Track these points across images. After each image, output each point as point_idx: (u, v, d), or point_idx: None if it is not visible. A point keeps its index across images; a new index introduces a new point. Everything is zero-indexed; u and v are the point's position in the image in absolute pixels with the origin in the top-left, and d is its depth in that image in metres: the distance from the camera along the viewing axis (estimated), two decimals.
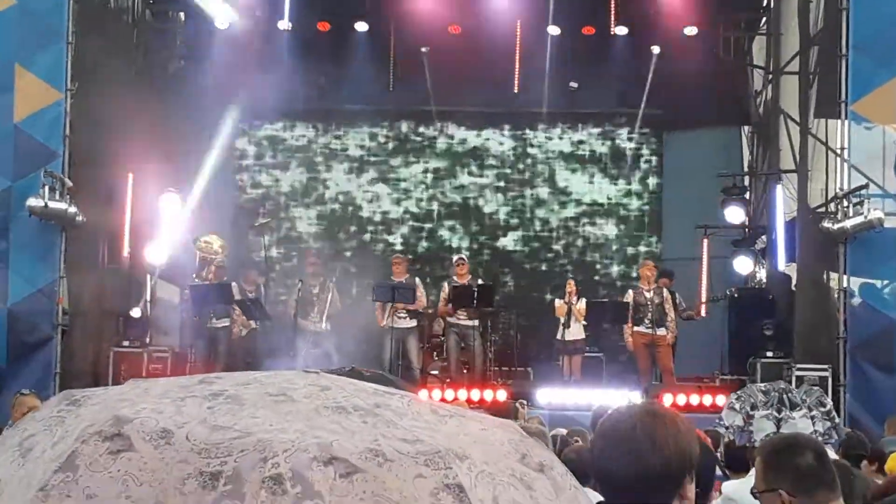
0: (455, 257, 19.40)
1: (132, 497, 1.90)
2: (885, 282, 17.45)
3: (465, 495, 1.95)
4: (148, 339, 18.18)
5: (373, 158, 23.34)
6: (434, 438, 2.06)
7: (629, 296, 18.15)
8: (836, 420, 9.63)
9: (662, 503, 2.77)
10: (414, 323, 18.35)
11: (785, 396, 9.78)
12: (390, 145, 23.41)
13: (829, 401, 10.10)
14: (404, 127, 23.38)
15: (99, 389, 2.48)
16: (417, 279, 18.85)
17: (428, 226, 23.37)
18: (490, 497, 2.00)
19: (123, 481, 1.92)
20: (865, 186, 16.99)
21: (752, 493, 4.00)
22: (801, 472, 3.77)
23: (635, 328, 17.77)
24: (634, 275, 20.87)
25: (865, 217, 16.64)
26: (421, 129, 23.37)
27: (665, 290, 18.06)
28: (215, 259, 18.74)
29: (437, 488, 1.95)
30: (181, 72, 19.75)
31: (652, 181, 23.34)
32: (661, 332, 17.74)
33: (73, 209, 16.30)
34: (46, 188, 15.94)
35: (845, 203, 17.21)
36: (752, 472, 6.58)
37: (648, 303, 17.74)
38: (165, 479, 1.92)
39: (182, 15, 21.37)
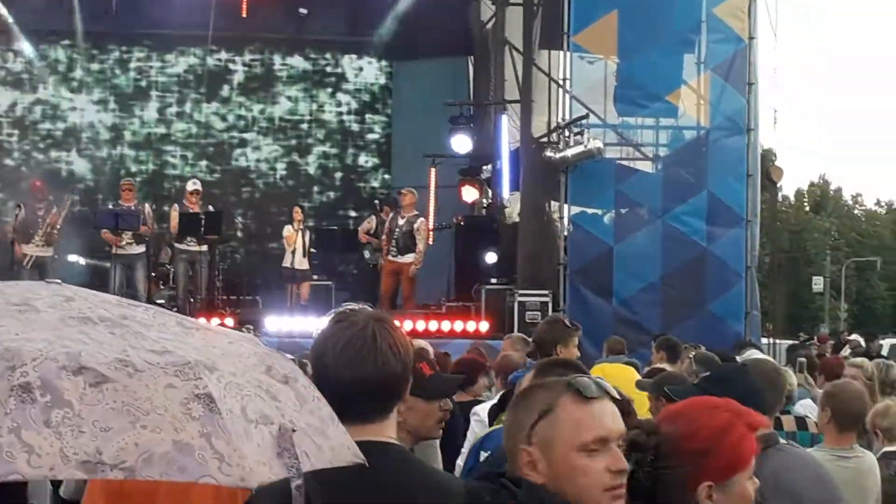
0: (189, 184, 18.90)
1: None
2: (604, 210, 18.16)
3: (214, 405, 1.96)
4: None
5: (92, 80, 22.62)
6: (183, 350, 2.05)
7: (387, 219, 18.29)
8: None
9: (396, 404, 2.88)
10: (142, 249, 17.91)
11: None
12: (115, 67, 22.72)
13: None
14: (132, 50, 22.72)
15: None
16: (147, 205, 18.38)
17: (158, 150, 22.89)
18: (238, 407, 2.01)
19: None
20: (586, 117, 17.57)
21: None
22: None
23: (388, 257, 17.95)
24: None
25: (585, 147, 17.21)
26: (146, 53, 22.78)
27: (421, 219, 18.17)
28: None
29: (187, 398, 1.95)
30: None
31: (381, 109, 23.47)
32: (408, 258, 17.92)
33: None
34: None
35: (566, 133, 17.75)
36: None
37: (397, 229, 17.87)
38: None
39: None
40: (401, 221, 18.00)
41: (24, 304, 2.09)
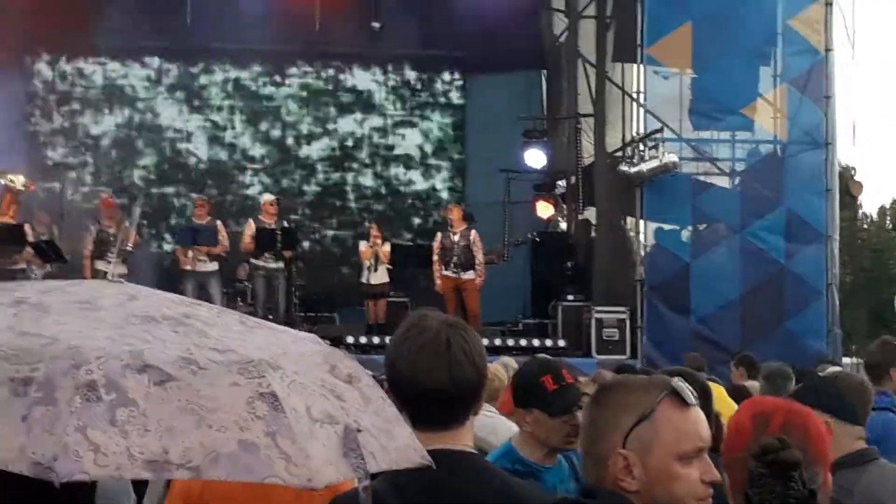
0: (267, 197, 18.93)
1: None
2: (680, 226, 17.98)
3: (279, 403, 1.93)
4: None
5: (160, 97, 22.78)
6: (245, 349, 2.03)
7: (437, 239, 18.10)
8: None
9: (471, 411, 2.84)
10: (215, 266, 17.99)
11: None
12: (185, 84, 22.89)
13: None
14: (202, 65, 22.88)
15: None
16: (219, 222, 18.40)
17: (233, 169, 23.03)
18: (303, 406, 1.98)
19: None
20: (660, 130, 17.44)
21: None
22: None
23: (444, 272, 17.74)
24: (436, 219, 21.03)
25: (661, 161, 17.06)
26: (220, 67, 22.90)
27: (473, 232, 17.97)
28: (17, 196, 18.15)
29: (252, 397, 1.93)
30: None
31: (455, 124, 23.44)
32: (469, 275, 17.61)
33: None
34: None
35: (641, 147, 17.62)
36: None
37: (454, 246, 17.68)
38: None
39: None
40: (455, 238, 17.68)
41: (88, 302, 2.09)
